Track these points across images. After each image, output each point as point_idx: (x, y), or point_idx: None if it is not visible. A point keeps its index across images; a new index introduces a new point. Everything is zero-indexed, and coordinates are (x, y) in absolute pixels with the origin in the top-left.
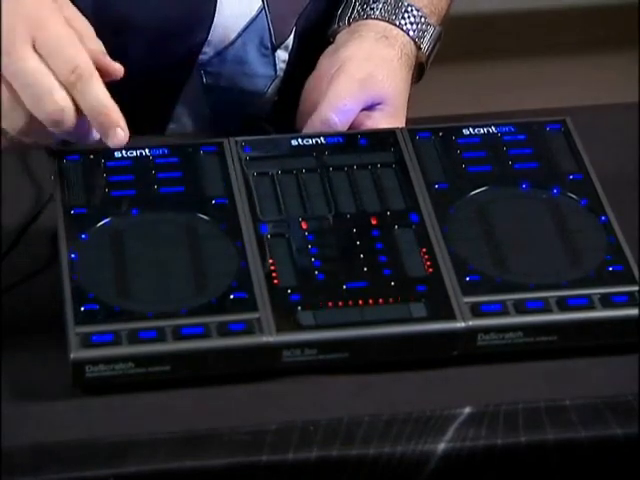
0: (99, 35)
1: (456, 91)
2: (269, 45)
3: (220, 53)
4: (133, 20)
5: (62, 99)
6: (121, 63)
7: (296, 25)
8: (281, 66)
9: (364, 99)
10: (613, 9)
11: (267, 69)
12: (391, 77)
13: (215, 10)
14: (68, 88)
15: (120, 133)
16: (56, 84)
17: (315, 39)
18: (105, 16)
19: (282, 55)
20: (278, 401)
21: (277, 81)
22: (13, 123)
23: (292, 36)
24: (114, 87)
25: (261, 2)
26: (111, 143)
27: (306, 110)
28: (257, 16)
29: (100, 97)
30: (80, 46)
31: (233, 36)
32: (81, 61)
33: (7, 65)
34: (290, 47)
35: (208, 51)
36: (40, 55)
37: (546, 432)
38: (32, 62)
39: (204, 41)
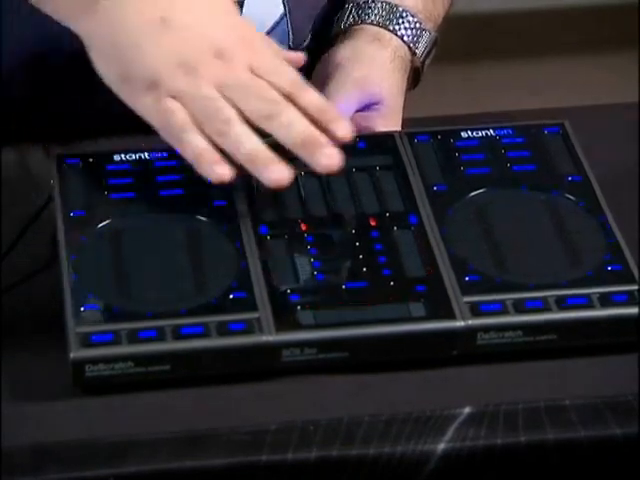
0: None
1: (455, 91)
2: (287, 48)
3: None
4: None
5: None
6: None
7: (313, 27)
8: (296, 67)
9: (359, 99)
10: (613, 9)
11: None
12: (385, 78)
13: (241, 14)
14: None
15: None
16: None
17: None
18: None
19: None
20: (278, 401)
21: None
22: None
23: (309, 38)
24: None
25: (283, 8)
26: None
27: None
28: (279, 21)
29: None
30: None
31: None
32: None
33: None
34: (307, 48)
35: None
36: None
37: (546, 432)
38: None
39: None
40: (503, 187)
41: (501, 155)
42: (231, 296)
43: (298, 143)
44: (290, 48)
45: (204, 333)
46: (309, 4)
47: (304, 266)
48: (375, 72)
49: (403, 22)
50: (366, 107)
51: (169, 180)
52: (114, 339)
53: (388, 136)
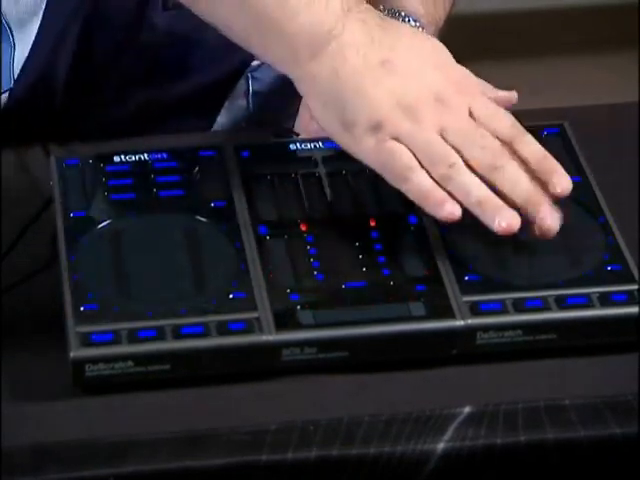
0: (164, 48)
1: None
2: None
3: None
4: (199, 35)
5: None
6: (179, 74)
7: None
8: None
9: None
10: (613, 9)
11: None
12: None
13: None
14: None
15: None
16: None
17: None
18: (174, 31)
19: None
20: (278, 401)
21: None
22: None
23: None
24: (161, 96)
25: None
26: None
27: (305, 115)
28: None
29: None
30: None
31: None
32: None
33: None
34: None
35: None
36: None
37: (546, 432)
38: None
39: None
40: None
41: None
42: (231, 296)
43: (521, 200)
44: None
45: (204, 333)
46: None
47: (304, 266)
48: None
49: None
50: None
51: (169, 181)
52: (114, 339)
53: None
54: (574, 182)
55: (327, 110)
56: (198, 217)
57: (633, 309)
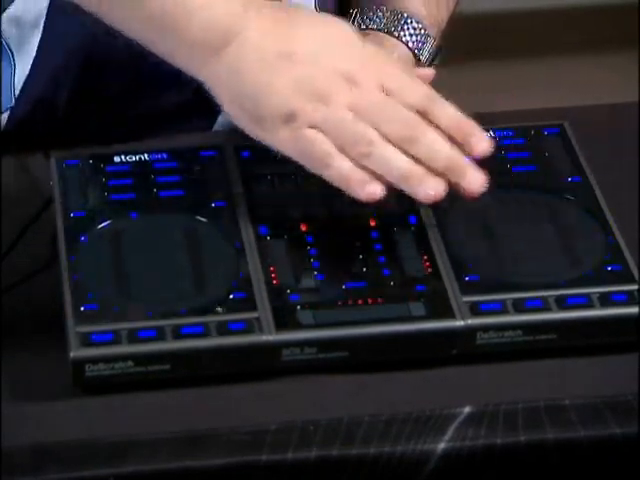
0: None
1: (455, 91)
2: None
3: None
4: None
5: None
6: (177, 76)
7: None
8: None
9: None
10: (613, 9)
11: None
12: None
13: None
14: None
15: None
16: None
17: None
18: None
19: None
20: (278, 401)
21: None
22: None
23: None
24: (162, 104)
25: (314, 7)
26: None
27: None
28: None
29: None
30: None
31: None
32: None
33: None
34: None
35: None
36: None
37: (546, 432)
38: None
39: None
40: (503, 187)
41: (501, 156)
42: (231, 296)
43: (444, 167)
44: None
45: (204, 333)
46: (333, 6)
47: (304, 266)
48: None
49: (408, 28)
50: None
51: (169, 181)
52: (114, 339)
53: None
54: (574, 182)
55: (236, 107)
56: (198, 217)
57: (633, 309)
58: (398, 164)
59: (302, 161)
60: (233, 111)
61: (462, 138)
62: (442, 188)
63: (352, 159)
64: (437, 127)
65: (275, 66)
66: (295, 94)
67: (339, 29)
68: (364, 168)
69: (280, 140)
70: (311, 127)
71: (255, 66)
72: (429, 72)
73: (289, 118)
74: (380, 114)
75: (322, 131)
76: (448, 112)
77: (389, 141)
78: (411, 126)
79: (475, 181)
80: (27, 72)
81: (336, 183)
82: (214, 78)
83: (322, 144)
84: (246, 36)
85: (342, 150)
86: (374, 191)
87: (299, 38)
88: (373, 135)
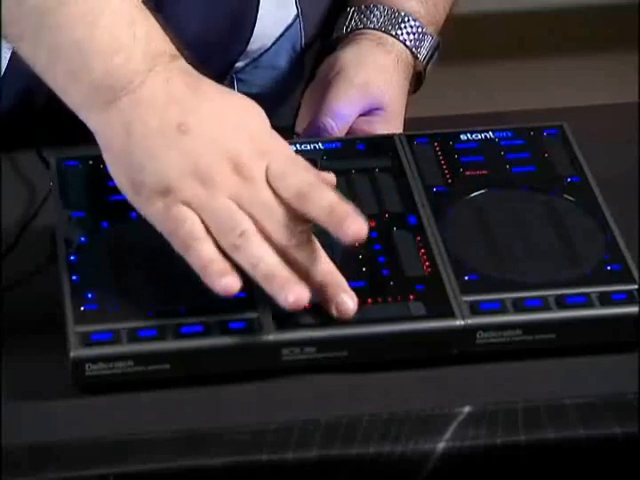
0: None
1: (455, 91)
2: (299, 49)
3: (254, 60)
4: (179, 37)
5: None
6: None
7: (324, 28)
8: (307, 69)
9: (362, 105)
10: (613, 9)
11: (296, 73)
12: (388, 83)
13: (255, 23)
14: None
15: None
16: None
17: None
18: None
19: (309, 60)
20: (278, 400)
21: (303, 86)
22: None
23: (319, 40)
24: None
25: (296, 9)
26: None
27: (305, 115)
28: (292, 23)
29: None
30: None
31: (269, 44)
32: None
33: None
34: (317, 51)
35: (244, 60)
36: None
37: (546, 431)
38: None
39: (243, 51)
40: (503, 188)
41: (500, 157)
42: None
43: (319, 280)
44: (302, 49)
45: (204, 332)
46: (321, 6)
47: None
48: (379, 77)
49: (405, 27)
50: (368, 111)
51: None
52: (114, 338)
53: (387, 138)
54: (574, 182)
55: (118, 166)
56: None
57: (633, 309)
58: (264, 262)
59: (169, 238)
60: (114, 170)
61: (336, 223)
62: (305, 296)
63: (222, 248)
64: (310, 220)
65: (167, 135)
66: (178, 170)
67: (246, 106)
68: (231, 259)
69: (152, 211)
70: (186, 205)
71: (147, 130)
72: (331, 177)
73: (165, 192)
74: (261, 209)
75: (198, 214)
76: (327, 197)
77: (266, 239)
78: (290, 231)
79: (346, 303)
80: (3, 70)
81: (195, 268)
82: (101, 130)
83: (192, 225)
84: (144, 95)
85: (214, 237)
86: (230, 284)
87: (203, 111)
88: (248, 228)
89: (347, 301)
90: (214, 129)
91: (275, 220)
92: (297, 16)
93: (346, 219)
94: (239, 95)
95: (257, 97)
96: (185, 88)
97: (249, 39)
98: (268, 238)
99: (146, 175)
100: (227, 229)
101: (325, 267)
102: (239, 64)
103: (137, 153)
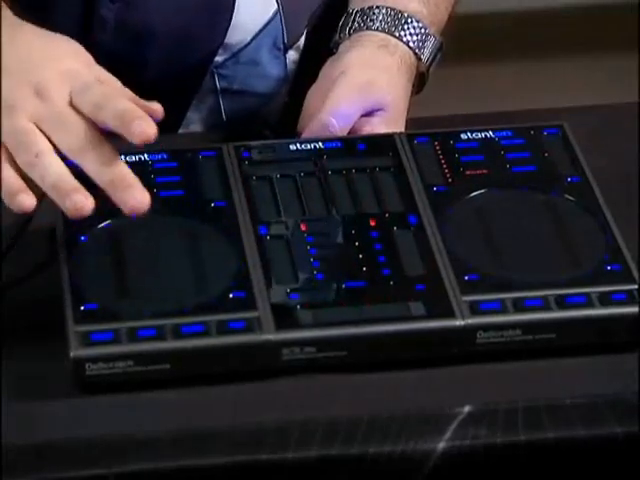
0: (119, 42)
1: (455, 91)
2: (281, 46)
3: (234, 55)
4: (153, 28)
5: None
6: (138, 70)
7: (307, 25)
8: (291, 67)
9: (364, 105)
10: (613, 9)
11: (278, 70)
12: (391, 84)
13: (232, 14)
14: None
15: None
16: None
17: (326, 39)
18: (126, 24)
19: (293, 56)
20: (278, 400)
21: (287, 82)
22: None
23: (304, 36)
24: None
25: (276, 4)
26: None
27: (308, 115)
28: (272, 18)
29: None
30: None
31: (249, 38)
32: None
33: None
34: (301, 47)
35: (223, 54)
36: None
37: (546, 431)
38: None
39: (220, 45)
40: (503, 187)
41: (501, 156)
42: (231, 295)
43: (105, 183)
44: (285, 46)
45: (204, 332)
46: (303, 2)
47: (304, 266)
48: (382, 78)
49: (408, 28)
50: (370, 112)
51: (168, 181)
52: (114, 338)
53: (388, 138)
54: (574, 182)
55: None
56: (198, 217)
57: (633, 309)
58: (52, 175)
59: None
60: None
61: (125, 126)
62: (88, 204)
63: (20, 168)
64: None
65: None
66: None
67: (57, 40)
68: (29, 179)
69: None
70: None
71: None
72: (157, 106)
73: None
74: (57, 126)
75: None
76: (120, 105)
77: (59, 152)
78: (83, 138)
79: (140, 201)
80: None
81: None
82: None
83: None
84: None
85: (14, 158)
86: (23, 202)
87: (12, 47)
88: (43, 146)
89: (134, 197)
90: (23, 62)
91: (68, 131)
92: (277, 12)
93: (134, 120)
94: (58, 35)
95: (239, 93)
96: (11, 27)
97: (226, 30)
98: (60, 151)
99: None
100: (23, 149)
101: (112, 169)
102: (219, 58)
103: None
